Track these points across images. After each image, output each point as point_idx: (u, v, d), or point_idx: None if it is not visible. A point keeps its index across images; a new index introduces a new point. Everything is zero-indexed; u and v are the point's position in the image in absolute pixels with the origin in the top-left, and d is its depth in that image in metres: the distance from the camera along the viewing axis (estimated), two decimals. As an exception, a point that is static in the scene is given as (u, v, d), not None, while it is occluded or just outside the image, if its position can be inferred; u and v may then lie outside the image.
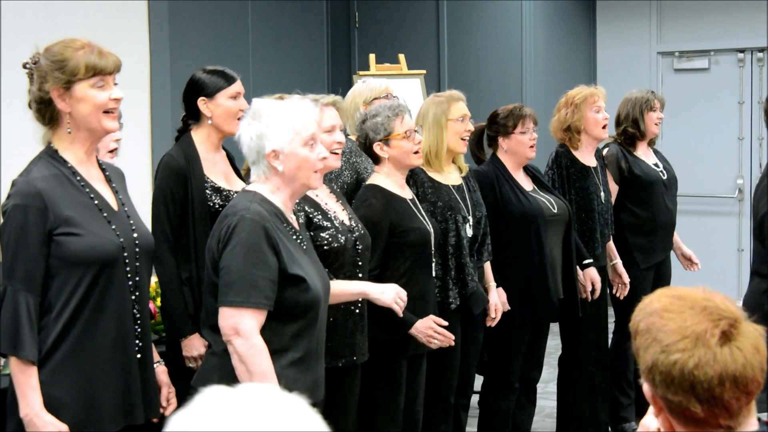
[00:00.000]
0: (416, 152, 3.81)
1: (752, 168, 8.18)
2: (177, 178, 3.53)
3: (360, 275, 3.45)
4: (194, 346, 3.48)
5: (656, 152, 5.38)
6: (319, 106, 3.44)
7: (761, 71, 8.11)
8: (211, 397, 1.27)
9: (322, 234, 3.35)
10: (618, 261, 5.07)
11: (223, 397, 1.27)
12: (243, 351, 2.75)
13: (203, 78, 3.65)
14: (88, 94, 2.69)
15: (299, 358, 2.87)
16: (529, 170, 4.65)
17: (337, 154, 3.49)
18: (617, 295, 5.07)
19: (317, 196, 3.46)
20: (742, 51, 8.14)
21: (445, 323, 3.79)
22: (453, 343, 3.82)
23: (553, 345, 5.06)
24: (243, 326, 2.76)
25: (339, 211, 3.50)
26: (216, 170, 3.63)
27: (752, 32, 7.98)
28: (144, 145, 6.75)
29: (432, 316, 3.78)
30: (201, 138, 3.64)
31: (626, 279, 5.04)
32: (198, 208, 3.52)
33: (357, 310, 3.48)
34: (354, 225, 3.49)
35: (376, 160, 3.85)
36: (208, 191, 3.55)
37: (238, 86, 3.65)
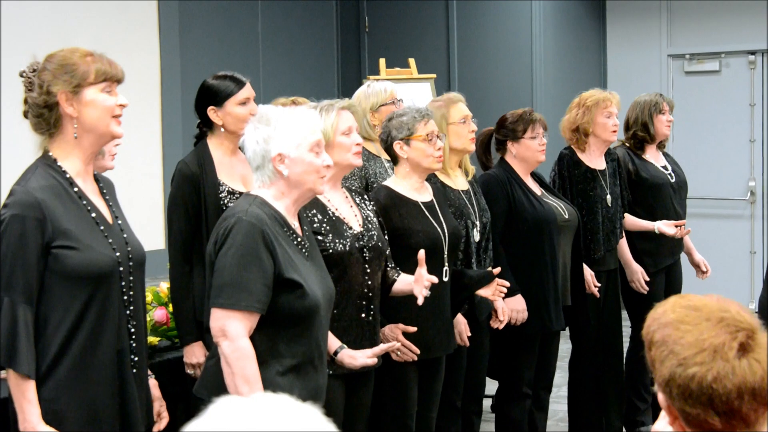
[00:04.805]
0: (437, 158, 3.80)
1: (764, 170, 8.16)
2: (189, 184, 3.56)
3: (369, 282, 3.42)
4: (195, 353, 3.51)
5: (666, 155, 5.37)
6: (335, 110, 3.45)
7: (772, 73, 8.08)
8: (223, 406, 1.27)
9: (318, 238, 3.32)
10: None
11: (236, 406, 1.27)
12: (228, 353, 2.74)
13: (212, 85, 3.65)
14: (97, 99, 2.68)
15: (296, 365, 2.85)
16: (536, 176, 4.64)
17: (358, 153, 3.48)
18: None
19: (329, 200, 3.44)
20: (752, 53, 8.12)
21: (413, 329, 3.67)
22: (416, 358, 3.68)
23: (566, 349, 5.04)
24: (230, 329, 2.74)
25: (350, 217, 3.47)
26: (233, 173, 3.64)
27: (763, 34, 7.96)
28: (155, 150, 6.75)
29: (400, 324, 3.66)
30: (216, 144, 3.66)
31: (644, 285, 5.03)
32: (212, 212, 3.53)
33: (368, 318, 3.45)
34: (364, 232, 3.46)
35: (396, 160, 3.85)
36: (222, 195, 3.57)
37: (246, 91, 3.65)
